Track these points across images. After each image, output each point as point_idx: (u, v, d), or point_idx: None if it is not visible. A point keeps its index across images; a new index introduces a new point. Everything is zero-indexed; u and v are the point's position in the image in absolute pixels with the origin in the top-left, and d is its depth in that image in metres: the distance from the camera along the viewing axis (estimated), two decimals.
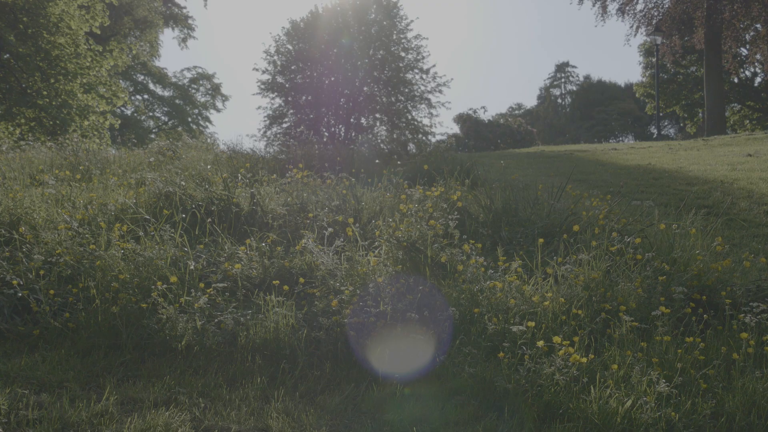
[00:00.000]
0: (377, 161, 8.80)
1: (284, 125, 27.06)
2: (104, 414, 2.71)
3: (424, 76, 27.28)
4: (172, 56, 73.50)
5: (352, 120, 26.87)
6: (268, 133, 26.98)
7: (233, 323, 3.69)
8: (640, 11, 23.97)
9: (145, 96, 35.18)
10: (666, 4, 23.56)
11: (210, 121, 39.72)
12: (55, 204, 5.67)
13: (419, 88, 27.33)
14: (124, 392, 2.97)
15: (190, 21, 33.85)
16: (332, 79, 26.49)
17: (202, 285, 3.96)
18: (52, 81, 15.59)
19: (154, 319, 3.64)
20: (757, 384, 2.89)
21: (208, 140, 13.86)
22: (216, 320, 3.71)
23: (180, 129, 32.48)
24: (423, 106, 27.45)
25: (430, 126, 28.67)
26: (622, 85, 49.17)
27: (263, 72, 27.12)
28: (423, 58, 27.33)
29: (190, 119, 36.03)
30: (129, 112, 32.70)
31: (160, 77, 34.69)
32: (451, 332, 3.50)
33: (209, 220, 5.10)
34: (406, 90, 27.15)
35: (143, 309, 3.71)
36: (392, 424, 2.75)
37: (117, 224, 4.76)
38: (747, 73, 30.89)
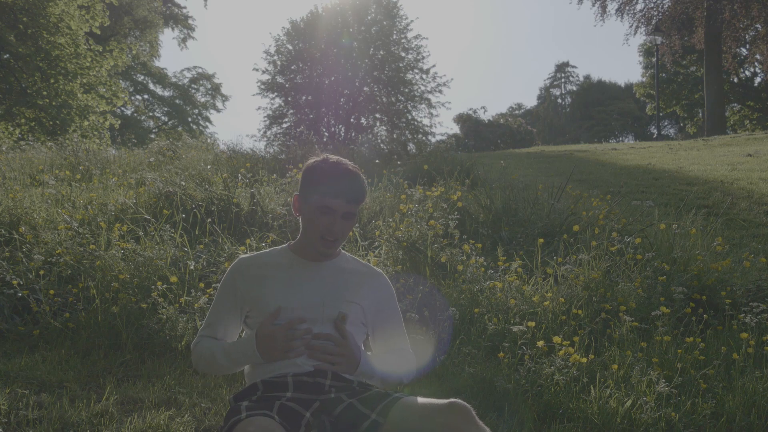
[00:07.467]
0: (377, 161, 8.79)
1: (284, 125, 27.06)
2: (104, 414, 2.71)
3: (424, 76, 27.26)
4: (172, 56, 73.54)
5: (352, 120, 26.85)
6: (268, 133, 26.99)
7: None
8: (640, 11, 23.98)
9: (145, 96, 35.21)
10: (666, 4, 23.57)
11: (210, 121, 39.81)
12: (55, 204, 5.67)
13: (419, 88, 27.32)
14: (124, 392, 2.97)
15: (190, 21, 33.87)
16: (332, 79, 26.48)
17: (202, 285, 3.95)
18: (52, 81, 15.59)
19: (154, 319, 3.64)
20: (757, 384, 2.89)
21: (208, 140, 13.86)
22: None
23: (180, 129, 32.51)
24: (423, 106, 27.45)
25: (430, 126, 28.65)
26: (622, 85, 49.17)
27: (263, 72, 27.12)
28: (423, 58, 27.32)
29: (190, 119, 36.06)
30: (129, 112, 32.73)
31: (160, 77, 34.72)
32: (451, 332, 3.50)
33: (209, 220, 5.10)
34: (406, 90, 27.12)
35: (143, 309, 3.71)
36: None
37: (117, 224, 4.75)
38: (747, 73, 30.92)
